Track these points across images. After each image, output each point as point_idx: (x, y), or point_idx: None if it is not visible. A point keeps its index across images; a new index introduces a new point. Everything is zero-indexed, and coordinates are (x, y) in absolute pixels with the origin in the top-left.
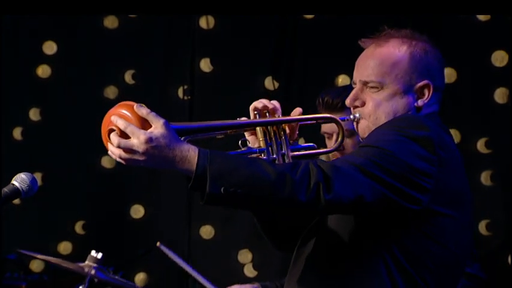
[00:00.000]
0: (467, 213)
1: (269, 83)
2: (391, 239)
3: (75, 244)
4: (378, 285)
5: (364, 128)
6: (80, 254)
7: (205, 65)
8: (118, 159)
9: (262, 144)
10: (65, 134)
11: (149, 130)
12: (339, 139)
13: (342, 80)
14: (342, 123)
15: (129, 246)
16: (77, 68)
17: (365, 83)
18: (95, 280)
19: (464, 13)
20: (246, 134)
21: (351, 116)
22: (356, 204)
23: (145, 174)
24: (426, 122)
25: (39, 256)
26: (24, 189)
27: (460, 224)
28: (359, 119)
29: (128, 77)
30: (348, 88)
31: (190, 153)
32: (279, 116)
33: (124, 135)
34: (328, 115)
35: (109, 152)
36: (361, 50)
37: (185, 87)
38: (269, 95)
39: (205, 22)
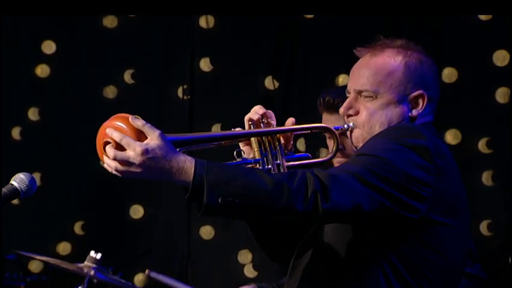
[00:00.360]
0: (464, 221)
1: (269, 83)
2: (389, 247)
3: (74, 244)
4: None
5: (358, 137)
6: (79, 255)
7: (205, 64)
8: (114, 172)
9: (257, 154)
10: (64, 134)
11: (145, 142)
12: (334, 148)
13: (342, 79)
14: (336, 132)
15: (128, 246)
16: (77, 68)
17: (359, 92)
18: (95, 281)
19: (465, 13)
20: (241, 145)
21: (345, 125)
22: (353, 213)
23: None
24: (422, 130)
25: (38, 256)
26: (23, 189)
27: (457, 233)
28: (353, 128)
29: (127, 76)
30: None
31: (187, 164)
32: (273, 126)
33: (119, 147)
34: (322, 125)
35: (105, 165)
36: None
37: (185, 87)
38: (269, 95)
39: (205, 22)
